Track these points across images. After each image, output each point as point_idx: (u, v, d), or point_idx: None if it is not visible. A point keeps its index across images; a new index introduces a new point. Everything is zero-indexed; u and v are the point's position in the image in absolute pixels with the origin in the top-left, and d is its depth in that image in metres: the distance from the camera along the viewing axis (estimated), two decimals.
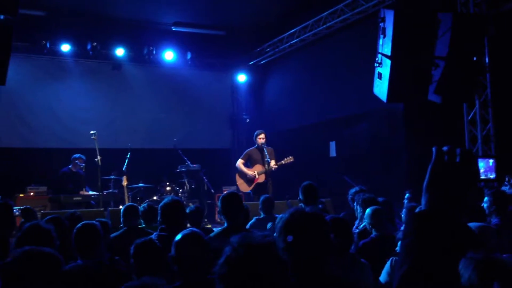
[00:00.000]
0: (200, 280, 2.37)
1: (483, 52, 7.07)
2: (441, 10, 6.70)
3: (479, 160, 5.63)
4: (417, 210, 1.08)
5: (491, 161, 6.17)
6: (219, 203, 3.79)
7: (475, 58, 6.59)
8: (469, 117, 7.63)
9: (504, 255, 3.01)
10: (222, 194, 3.94)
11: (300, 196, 4.64)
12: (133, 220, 4.77)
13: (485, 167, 6.08)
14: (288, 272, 1.51)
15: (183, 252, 2.44)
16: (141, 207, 5.15)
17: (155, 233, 3.83)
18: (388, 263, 3.31)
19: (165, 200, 3.86)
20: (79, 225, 3.35)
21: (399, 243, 3.60)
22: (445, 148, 1.08)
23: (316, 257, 1.97)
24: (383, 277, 3.31)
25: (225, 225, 3.76)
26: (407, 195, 6.11)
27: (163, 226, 3.74)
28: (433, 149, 1.09)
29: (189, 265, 2.43)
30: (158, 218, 3.83)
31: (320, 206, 5.05)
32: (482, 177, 5.96)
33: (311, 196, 4.62)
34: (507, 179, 6.20)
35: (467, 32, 6.43)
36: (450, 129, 7.76)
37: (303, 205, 4.60)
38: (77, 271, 2.04)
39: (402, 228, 3.76)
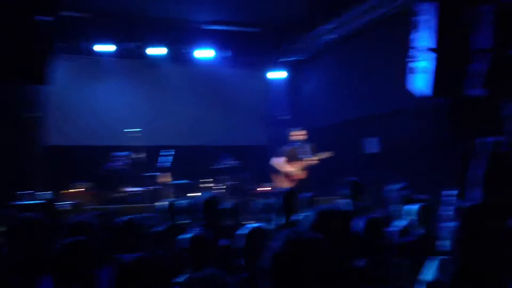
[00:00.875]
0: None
1: None
2: (483, 2, 6.51)
3: None
4: (468, 205, 1.06)
5: None
6: (276, 199, 3.82)
7: None
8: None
9: None
10: (281, 189, 3.95)
11: (346, 191, 4.62)
12: (176, 217, 4.88)
13: None
14: (335, 268, 1.52)
15: (253, 244, 2.52)
16: (181, 203, 5.25)
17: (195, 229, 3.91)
18: (435, 262, 3.26)
19: (204, 196, 3.96)
20: (125, 218, 3.49)
21: (441, 242, 3.54)
22: (489, 140, 1.06)
23: (343, 254, 1.98)
24: (428, 276, 3.26)
25: (282, 221, 3.79)
26: (451, 192, 5.96)
27: (203, 222, 3.83)
28: (477, 142, 1.07)
29: (257, 257, 2.51)
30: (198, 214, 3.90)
31: (361, 203, 5.03)
32: None
33: (356, 192, 4.60)
34: None
35: (510, 24, 6.22)
36: (496, 124, 7.52)
37: (349, 201, 4.57)
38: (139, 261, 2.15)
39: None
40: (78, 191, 8.86)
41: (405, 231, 4.36)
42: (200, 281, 1.41)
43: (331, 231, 2.01)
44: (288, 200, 3.81)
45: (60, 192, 8.69)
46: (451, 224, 3.43)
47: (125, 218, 3.55)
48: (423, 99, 6.51)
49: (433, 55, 5.86)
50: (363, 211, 4.14)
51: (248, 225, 2.71)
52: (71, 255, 2.30)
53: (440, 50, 5.87)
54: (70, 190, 8.88)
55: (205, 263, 2.74)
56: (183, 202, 5.26)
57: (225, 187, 9.59)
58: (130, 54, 10.98)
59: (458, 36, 6.00)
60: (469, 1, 6.74)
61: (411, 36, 6.27)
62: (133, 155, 8.12)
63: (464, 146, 7.62)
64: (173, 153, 8.96)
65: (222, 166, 9.72)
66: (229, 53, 11.76)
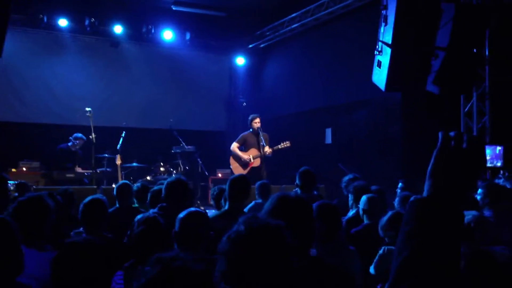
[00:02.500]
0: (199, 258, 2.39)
1: (483, 44, 7.03)
2: (444, 0, 6.63)
3: (487, 147, 5.58)
4: (417, 197, 1.05)
5: (498, 148, 6.11)
6: (227, 185, 3.80)
7: (475, 50, 6.55)
8: (466, 109, 7.62)
9: (497, 247, 3.02)
10: (232, 176, 3.94)
11: (297, 181, 4.63)
12: (126, 199, 4.76)
13: (492, 154, 6.03)
14: (291, 255, 1.50)
15: (187, 228, 2.47)
16: (134, 186, 5.14)
17: (152, 211, 3.83)
18: (381, 251, 3.32)
19: (171, 178, 3.89)
20: (86, 200, 3.39)
21: (388, 233, 3.60)
22: (452, 134, 1.04)
23: (300, 242, 1.98)
24: (373, 266, 3.32)
25: (226, 207, 3.78)
26: (400, 184, 6.11)
27: (163, 204, 3.75)
28: (440, 134, 1.05)
29: (192, 241, 2.46)
30: (162, 196, 3.81)
31: (315, 192, 5.05)
32: (489, 165, 5.90)
33: (308, 182, 4.61)
34: (501, 172, 6.21)
35: (468, 23, 6.37)
36: (446, 120, 7.75)
37: (299, 190, 4.59)
38: (85, 243, 2.06)
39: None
40: (25, 170, 8.53)
41: (354, 219, 4.43)
42: (167, 261, 1.37)
43: (290, 217, 1.98)
44: (239, 186, 3.76)
45: (7, 170, 8.34)
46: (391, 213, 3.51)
47: (90, 197, 3.45)
48: (380, 92, 6.62)
49: (389, 50, 5.93)
50: (314, 200, 4.15)
51: (190, 209, 2.65)
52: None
53: (396, 46, 5.95)
54: (16, 169, 8.54)
55: (155, 247, 2.66)
56: (135, 185, 5.15)
57: (180, 172, 9.45)
58: (89, 31, 10.58)
59: (416, 32, 6.09)
60: None
61: (380, 30, 6.33)
62: (89, 136, 7.85)
63: (415, 140, 7.84)
64: (124, 134, 8.71)
65: (178, 150, 9.57)
66: (192, 36, 11.55)
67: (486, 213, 4.02)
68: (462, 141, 1.03)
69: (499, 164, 6.07)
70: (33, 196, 2.90)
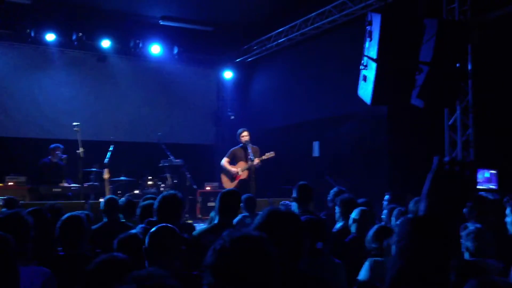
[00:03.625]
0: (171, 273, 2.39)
1: (466, 58, 7.19)
2: (427, 16, 6.79)
3: (479, 171, 5.73)
4: (413, 215, 1.13)
5: (491, 172, 6.25)
6: (217, 199, 3.78)
7: (458, 65, 6.71)
8: (450, 122, 7.76)
9: (490, 260, 3.09)
10: (223, 190, 3.94)
11: (295, 195, 4.63)
12: (113, 213, 4.76)
13: (482, 178, 6.15)
14: (277, 268, 1.52)
15: (155, 244, 2.46)
16: (120, 201, 5.13)
17: (140, 226, 3.82)
18: (367, 263, 3.37)
19: (166, 192, 3.89)
20: (64, 216, 3.34)
21: (373, 244, 3.66)
22: (446, 159, 1.12)
23: (289, 257, 2.01)
24: (361, 276, 3.36)
25: (216, 221, 3.77)
26: (386, 196, 6.19)
27: (152, 219, 3.73)
28: (434, 158, 1.14)
29: (160, 257, 2.44)
30: (154, 208, 3.77)
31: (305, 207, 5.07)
32: (483, 187, 6.03)
33: (305, 196, 4.61)
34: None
35: (451, 38, 6.54)
36: (431, 133, 7.88)
37: (295, 204, 4.60)
38: (58, 262, 2.04)
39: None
40: (12, 185, 8.45)
41: (342, 232, 4.48)
42: (141, 279, 1.38)
43: (280, 232, 2.02)
44: (229, 201, 3.78)
45: None
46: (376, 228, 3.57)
47: (67, 214, 3.41)
48: (366, 105, 6.73)
49: (374, 65, 6.04)
50: (310, 215, 4.20)
51: (161, 224, 2.63)
52: None
53: (381, 61, 6.07)
54: (2, 184, 8.45)
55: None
56: (121, 200, 5.14)
57: (168, 185, 9.44)
58: (76, 45, 10.57)
59: (400, 47, 6.23)
60: (413, 14, 7.03)
61: (365, 45, 6.45)
62: (77, 151, 7.83)
63: (401, 153, 7.94)
64: (111, 148, 8.71)
65: (166, 164, 9.57)
66: (179, 50, 11.61)
67: (471, 226, 4.09)
68: (455, 165, 1.11)
69: (493, 186, 6.23)
70: (11, 213, 2.91)
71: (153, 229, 2.59)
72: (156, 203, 3.76)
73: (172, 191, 3.95)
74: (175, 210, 3.74)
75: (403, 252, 1.05)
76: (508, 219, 3.32)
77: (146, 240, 2.55)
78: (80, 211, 4.04)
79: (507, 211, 3.32)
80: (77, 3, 10.08)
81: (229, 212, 3.76)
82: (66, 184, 8.33)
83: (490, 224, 4.11)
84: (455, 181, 1.10)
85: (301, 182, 4.72)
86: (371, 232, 3.58)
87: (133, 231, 3.60)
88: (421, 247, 1.03)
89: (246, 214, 5.33)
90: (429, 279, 1.00)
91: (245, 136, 8.09)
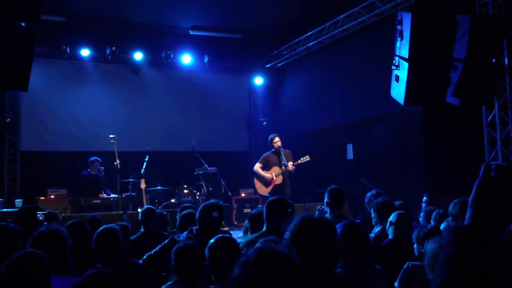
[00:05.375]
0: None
1: (502, 53, 6.97)
2: (459, 12, 6.63)
3: None
4: (458, 224, 1.10)
5: None
6: (264, 207, 3.80)
7: (494, 60, 6.50)
8: (488, 120, 7.53)
9: None
10: (270, 198, 3.95)
11: (327, 199, 4.59)
12: (150, 223, 4.83)
13: None
14: (303, 279, 1.51)
15: (217, 257, 2.47)
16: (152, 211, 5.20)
17: (184, 232, 3.86)
18: (405, 266, 3.30)
19: (206, 202, 3.97)
20: (99, 229, 3.43)
21: (415, 246, 3.58)
22: (493, 165, 1.09)
23: (324, 263, 1.99)
24: (398, 282, 3.29)
25: (264, 229, 3.77)
26: (424, 198, 6.05)
27: (194, 228, 3.78)
28: (482, 165, 1.10)
29: (224, 270, 2.46)
30: (196, 220, 3.83)
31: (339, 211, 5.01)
32: None
33: (338, 200, 4.57)
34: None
35: (485, 34, 6.34)
36: (469, 132, 7.67)
37: (328, 209, 4.56)
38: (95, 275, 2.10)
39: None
40: (53, 198, 8.72)
41: (380, 237, 4.40)
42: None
43: (313, 238, 2.03)
44: (275, 208, 3.75)
45: (35, 199, 8.55)
46: (425, 230, 3.49)
47: (102, 227, 3.50)
48: (399, 106, 6.61)
49: (406, 65, 5.93)
50: (343, 219, 4.14)
51: (218, 235, 2.65)
52: (21, 269, 2.22)
53: (413, 60, 5.95)
54: (44, 197, 8.74)
55: (191, 275, 2.70)
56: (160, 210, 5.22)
57: (204, 193, 9.53)
58: (110, 59, 10.88)
59: (432, 45, 6.09)
60: (444, 11, 6.87)
61: (396, 44, 6.35)
62: (114, 162, 8.04)
63: (437, 154, 7.75)
64: (147, 159, 8.90)
65: (201, 172, 9.67)
66: (210, 59, 11.75)
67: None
68: (503, 173, 1.07)
69: None
70: (50, 229, 3.01)
71: (212, 241, 2.61)
72: (198, 213, 3.82)
73: (213, 200, 4.01)
74: (217, 218, 3.80)
75: (447, 262, 1.02)
76: None
77: (206, 252, 2.58)
78: (118, 222, 4.12)
79: None
80: (109, 18, 10.36)
81: (277, 219, 3.73)
82: (105, 195, 8.54)
83: None
84: (503, 188, 1.06)
85: (332, 186, 4.67)
86: (419, 235, 3.49)
87: (176, 237, 3.67)
88: (465, 257, 1.00)
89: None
90: None
91: (277, 141, 8.08)
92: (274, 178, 8.06)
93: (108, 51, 10.73)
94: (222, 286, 2.43)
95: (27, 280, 2.13)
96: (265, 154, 8.35)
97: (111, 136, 8.22)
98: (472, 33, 6.21)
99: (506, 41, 6.99)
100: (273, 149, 8.17)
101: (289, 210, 3.83)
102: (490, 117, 7.50)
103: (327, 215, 4.56)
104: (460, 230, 1.05)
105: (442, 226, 4.13)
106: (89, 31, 10.49)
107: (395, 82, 6.57)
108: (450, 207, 4.12)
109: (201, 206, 3.93)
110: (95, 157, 8.82)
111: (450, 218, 4.14)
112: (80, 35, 10.46)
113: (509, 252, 2.85)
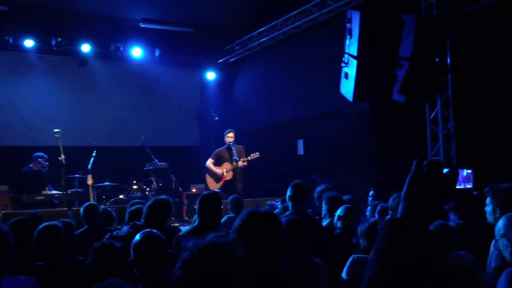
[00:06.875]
0: (160, 282, 2.36)
1: (445, 53, 7.26)
2: (405, 12, 6.84)
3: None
4: (391, 218, 1.12)
5: (467, 171, 6.34)
6: (197, 201, 3.81)
7: (437, 59, 6.77)
8: (431, 117, 7.83)
9: (461, 252, 3.12)
10: (203, 193, 3.95)
11: (289, 193, 4.59)
12: (93, 219, 4.71)
13: (461, 176, 6.24)
14: (246, 272, 1.50)
15: (141, 255, 2.41)
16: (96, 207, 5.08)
17: (125, 227, 3.80)
18: (350, 259, 3.38)
19: (156, 197, 3.96)
20: (40, 226, 3.31)
21: (361, 240, 3.68)
22: (424, 162, 1.11)
23: (270, 257, 2.00)
24: (344, 273, 3.38)
25: (196, 223, 3.78)
26: (371, 192, 6.22)
27: (138, 223, 3.73)
28: (414, 161, 1.13)
29: (148, 268, 2.40)
30: (143, 215, 3.80)
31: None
32: (461, 186, 6.13)
33: (299, 195, 4.59)
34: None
35: (430, 33, 6.59)
36: (413, 128, 7.95)
37: (290, 203, 4.57)
38: (36, 272, 2.01)
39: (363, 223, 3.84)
40: None
41: (328, 229, 4.49)
42: None
43: (259, 232, 2.03)
44: (208, 202, 3.77)
45: None
46: (367, 225, 3.59)
47: (43, 224, 3.36)
48: (348, 103, 6.76)
49: (355, 62, 6.07)
50: (302, 214, 4.20)
51: (144, 231, 2.56)
52: None
53: (361, 58, 6.10)
54: None
55: (111, 273, 2.64)
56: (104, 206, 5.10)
57: (153, 188, 9.38)
58: (55, 51, 10.45)
59: (380, 44, 6.26)
60: (391, 11, 7.07)
61: (345, 42, 6.48)
62: (59, 157, 7.75)
63: (384, 149, 7.99)
64: (94, 154, 8.65)
65: (151, 167, 9.51)
66: (161, 52, 11.54)
67: (452, 217, 4.13)
68: (434, 168, 1.10)
69: (469, 186, 6.32)
70: None
71: (137, 238, 2.49)
72: (145, 208, 3.78)
73: (164, 196, 3.98)
74: (163, 214, 3.77)
75: (380, 254, 1.04)
76: (487, 209, 3.36)
77: (131, 252, 2.47)
78: (61, 219, 3.98)
79: (487, 200, 3.36)
80: (55, 8, 9.95)
81: (209, 213, 3.75)
82: (48, 192, 8.23)
83: (469, 215, 4.16)
84: (433, 183, 1.09)
85: (296, 181, 4.68)
86: (365, 226, 3.59)
87: (116, 232, 3.60)
88: (396, 249, 1.03)
89: (232, 215, 5.31)
90: (405, 282, 1.00)
91: (230, 137, 8.07)
92: (225, 174, 8.05)
93: (53, 42, 10.30)
94: (144, 285, 2.38)
95: None
96: (218, 149, 8.32)
97: (55, 130, 7.92)
98: (417, 32, 6.44)
99: (449, 41, 7.29)
100: (225, 145, 8.15)
101: (221, 205, 3.87)
102: (433, 114, 7.81)
103: (289, 209, 4.59)
104: (392, 223, 1.08)
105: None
106: (33, 21, 10.04)
107: (344, 79, 6.71)
108: (390, 201, 4.25)
109: (149, 201, 3.89)
110: (41, 153, 8.46)
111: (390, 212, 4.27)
112: (24, 25, 9.98)
113: (445, 245, 2.98)
